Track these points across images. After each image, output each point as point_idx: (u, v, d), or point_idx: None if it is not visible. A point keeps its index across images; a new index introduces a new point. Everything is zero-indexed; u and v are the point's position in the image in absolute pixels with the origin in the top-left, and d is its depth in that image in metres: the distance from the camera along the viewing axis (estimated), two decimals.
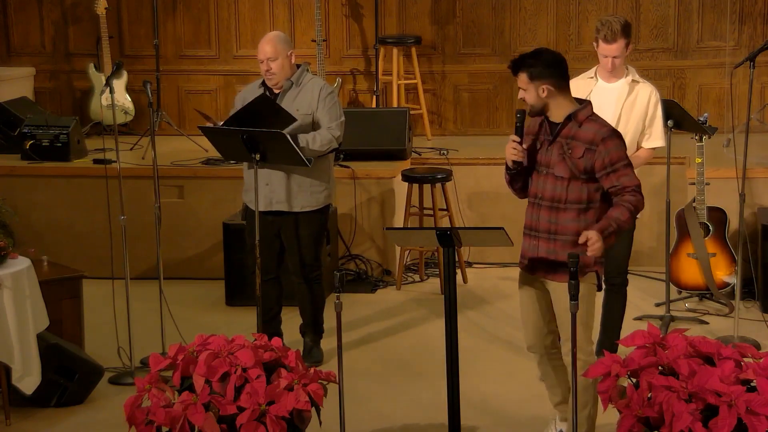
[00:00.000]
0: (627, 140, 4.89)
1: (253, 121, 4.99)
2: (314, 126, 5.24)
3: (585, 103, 4.14)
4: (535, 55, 4.07)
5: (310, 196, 5.28)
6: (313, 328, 5.48)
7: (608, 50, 4.92)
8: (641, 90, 5.01)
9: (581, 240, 3.97)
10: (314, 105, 5.24)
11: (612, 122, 4.79)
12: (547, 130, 4.12)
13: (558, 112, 4.09)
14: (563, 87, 4.08)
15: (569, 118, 4.07)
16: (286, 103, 5.22)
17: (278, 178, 5.23)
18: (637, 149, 5.03)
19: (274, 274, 5.40)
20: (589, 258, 4.05)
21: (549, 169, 4.10)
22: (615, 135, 4.07)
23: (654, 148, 5.08)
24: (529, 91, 4.06)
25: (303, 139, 5.14)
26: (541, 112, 4.10)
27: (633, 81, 5.00)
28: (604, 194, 4.11)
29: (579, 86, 4.79)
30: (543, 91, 4.04)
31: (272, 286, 5.40)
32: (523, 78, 4.06)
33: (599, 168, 4.04)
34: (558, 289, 4.13)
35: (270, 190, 5.24)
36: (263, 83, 5.32)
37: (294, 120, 5.06)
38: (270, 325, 5.36)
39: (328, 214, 5.45)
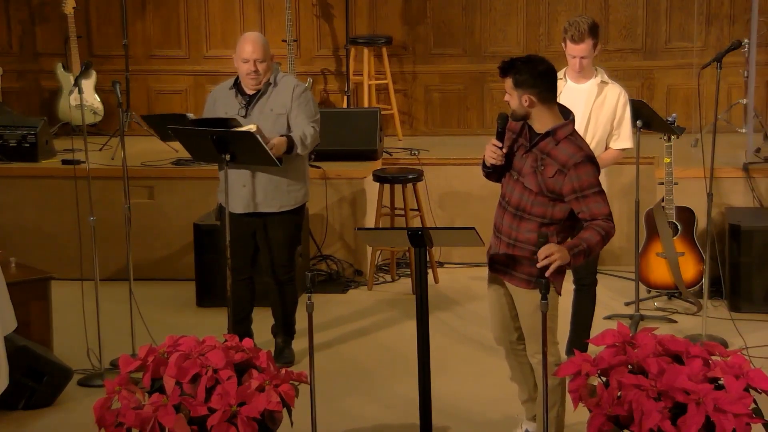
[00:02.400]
0: (595, 141, 4.97)
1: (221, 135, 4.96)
2: (289, 126, 5.22)
3: (568, 120, 4.07)
4: (525, 62, 4.03)
5: (288, 195, 5.26)
6: (285, 329, 5.48)
7: (576, 50, 4.93)
8: (610, 91, 5.02)
9: (541, 255, 3.88)
10: (288, 105, 5.21)
11: (581, 123, 4.85)
12: (527, 137, 4.10)
13: (539, 123, 4.05)
14: (547, 99, 4.02)
15: (548, 133, 4.03)
16: (260, 105, 5.19)
17: (256, 179, 5.20)
18: (606, 149, 5.06)
19: (247, 274, 5.39)
20: (537, 271, 3.96)
21: (520, 176, 4.10)
22: (588, 161, 4.00)
23: (622, 149, 5.10)
24: (512, 97, 4.04)
25: (298, 139, 5.11)
26: (523, 119, 4.07)
27: (602, 82, 5.02)
28: (571, 214, 4.07)
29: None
30: (525, 101, 4.01)
31: (245, 287, 5.39)
32: (509, 83, 4.03)
33: (568, 192, 3.99)
34: (517, 294, 4.17)
35: (248, 191, 5.21)
36: (235, 85, 5.27)
37: (254, 137, 4.92)
38: (241, 326, 5.35)
39: (303, 214, 5.45)
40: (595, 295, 5.20)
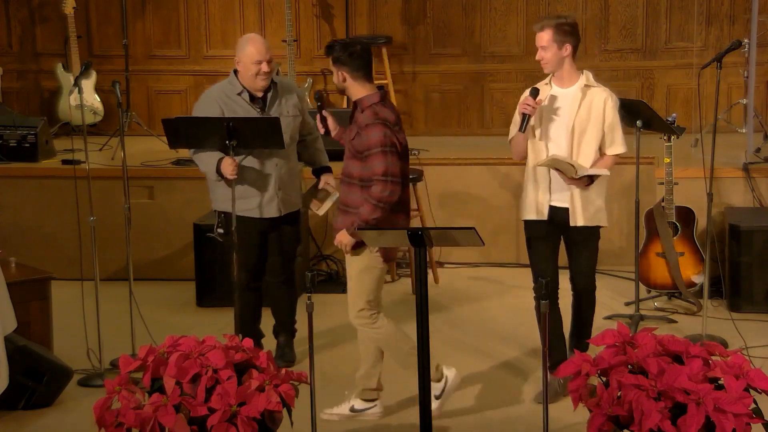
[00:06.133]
0: (589, 150, 4.75)
1: (243, 135, 4.92)
2: (303, 126, 5.22)
3: (375, 93, 4.57)
4: (343, 44, 4.55)
5: (298, 192, 5.33)
6: (287, 329, 5.47)
7: (537, 39, 4.75)
8: (595, 95, 4.75)
9: (336, 242, 4.56)
10: (299, 106, 5.22)
11: (566, 130, 4.72)
12: (353, 117, 4.61)
13: (354, 97, 4.57)
14: (358, 77, 4.54)
15: (355, 104, 4.56)
16: (277, 109, 5.13)
17: (288, 181, 5.17)
18: (601, 157, 4.81)
19: (260, 280, 5.32)
20: (356, 222, 4.49)
21: (347, 147, 4.61)
22: (380, 124, 4.48)
23: (618, 155, 4.86)
24: (334, 74, 4.58)
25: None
26: (342, 92, 4.65)
27: (585, 86, 4.77)
28: None
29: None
30: (340, 77, 4.54)
31: (258, 295, 5.32)
32: (330, 61, 4.56)
33: (363, 150, 4.49)
34: (348, 259, 4.60)
35: (284, 193, 5.16)
36: (243, 87, 5.11)
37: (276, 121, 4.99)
38: (255, 328, 5.31)
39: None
40: (594, 300, 5.03)
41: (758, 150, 6.73)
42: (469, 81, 7.83)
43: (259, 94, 5.11)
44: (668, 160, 6.02)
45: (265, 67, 5.05)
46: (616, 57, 7.75)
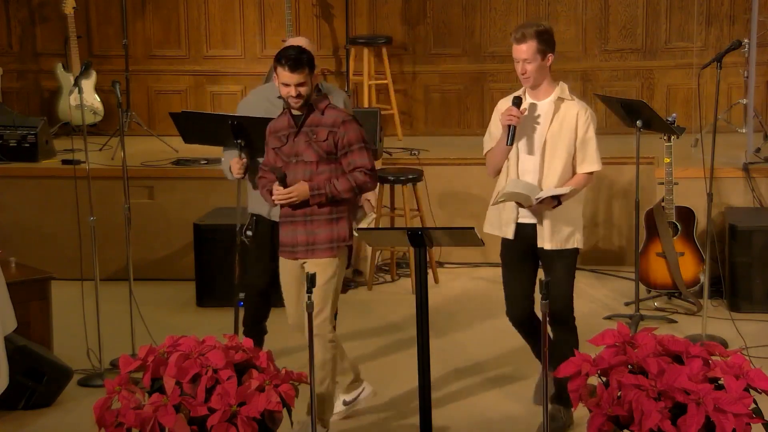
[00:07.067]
0: (559, 166, 4.45)
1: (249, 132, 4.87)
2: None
3: (320, 95, 4.50)
4: (305, 50, 4.39)
5: None
6: None
7: (518, 52, 4.41)
8: (569, 109, 4.46)
9: (284, 193, 4.35)
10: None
11: (538, 145, 4.46)
12: (292, 124, 4.44)
13: (307, 101, 4.43)
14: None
15: (311, 109, 4.42)
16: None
17: None
18: (573, 175, 4.50)
19: (272, 285, 5.16)
20: (344, 232, 4.43)
21: (298, 157, 4.41)
22: (354, 120, 4.45)
23: (590, 173, 4.51)
24: (308, 83, 4.37)
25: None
26: (307, 102, 4.40)
27: (559, 99, 4.48)
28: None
29: (509, 104, 4.47)
30: (315, 80, 4.46)
31: (267, 297, 5.19)
32: (305, 72, 4.33)
33: (339, 147, 4.39)
34: (317, 266, 4.39)
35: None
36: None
37: None
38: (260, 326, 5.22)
39: None
40: (570, 331, 4.57)
41: (758, 150, 6.73)
42: (469, 81, 7.83)
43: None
44: (668, 160, 6.02)
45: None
46: (616, 57, 7.75)
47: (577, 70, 7.72)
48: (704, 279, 5.75)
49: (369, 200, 5.17)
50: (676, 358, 3.84)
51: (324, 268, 4.41)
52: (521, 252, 4.53)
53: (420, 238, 4.10)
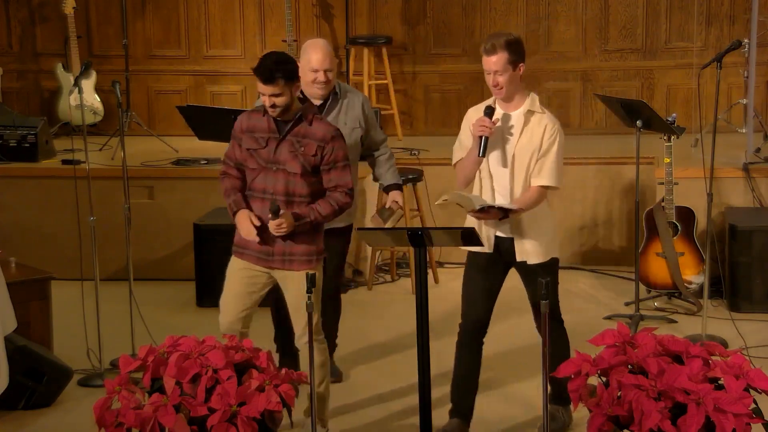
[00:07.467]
0: (521, 181, 4.39)
1: None
2: (362, 140, 5.07)
3: (307, 102, 4.39)
4: (284, 60, 4.25)
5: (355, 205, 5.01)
6: (334, 343, 5.29)
7: (489, 63, 4.33)
8: (538, 122, 4.36)
9: (275, 224, 4.22)
10: (361, 118, 5.05)
11: (507, 157, 4.38)
12: (274, 129, 4.31)
13: (292, 110, 4.30)
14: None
15: (300, 118, 4.30)
16: (332, 118, 4.96)
17: None
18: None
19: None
20: (321, 245, 4.38)
21: (279, 165, 4.30)
22: (340, 136, 4.35)
23: (544, 187, 4.35)
24: (285, 94, 4.23)
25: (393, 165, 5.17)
26: (289, 111, 4.28)
27: (528, 111, 4.37)
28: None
29: (479, 113, 4.40)
30: (296, 89, 4.29)
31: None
32: (281, 83, 4.20)
33: (324, 164, 4.31)
34: (293, 278, 4.33)
35: None
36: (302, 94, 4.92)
37: None
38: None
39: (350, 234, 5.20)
40: (560, 338, 4.54)
41: (758, 150, 6.73)
42: (469, 81, 7.83)
43: (317, 101, 4.92)
44: (668, 160, 6.02)
45: (321, 77, 4.86)
46: (616, 57, 7.75)
47: (577, 70, 7.72)
48: (704, 279, 5.75)
49: (396, 201, 5.09)
50: (676, 358, 3.84)
51: (300, 282, 4.24)
52: (494, 264, 4.45)
53: (420, 238, 4.10)
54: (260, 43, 7.89)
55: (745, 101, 6.98)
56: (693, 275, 6.12)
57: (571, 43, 7.71)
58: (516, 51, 4.34)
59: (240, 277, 4.43)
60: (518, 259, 4.43)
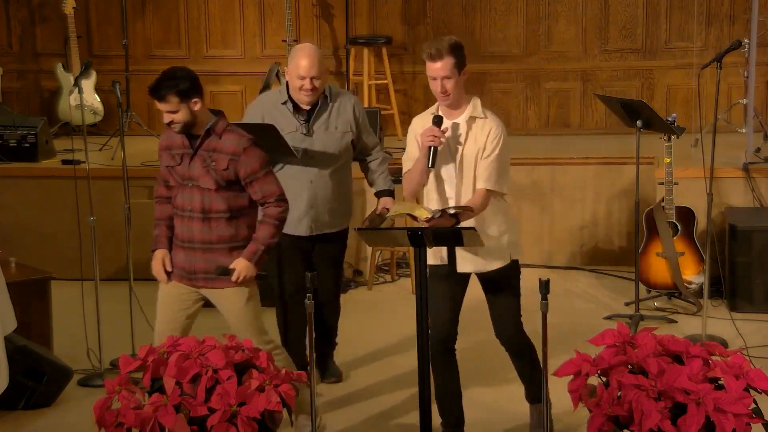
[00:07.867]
0: (470, 186, 4.30)
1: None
2: (353, 144, 5.02)
3: (220, 115, 4.28)
4: (178, 76, 4.15)
5: (343, 212, 5.05)
6: (333, 344, 5.30)
7: (434, 70, 4.19)
8: (481, 127, 4.27)
9: (234, 278, 4.22)
10: (351, 123, 5.00)
11: (454, 165, 4.28)
12: (187, 144, 4.26)
13: (200, 125, 4.23)
14: (204, 100, 4.23)
15: (208, 132, 4.23)
16: (322, 122, 4.92)
17: (324, 201, 4.91)
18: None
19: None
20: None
21: (194, 181, 4.26)
22: (254, 145, 4.25)
23: (488, 190, 4.24)
24: (182, 111, 4.16)
25: (387, 174, 5.08)
26: (191, 127, 4.21)
27: (471, 117, 4.27)
28: (251, 199, 4.29)
29: (425, 122, 4.27)
30: (195, 105, 4.17)
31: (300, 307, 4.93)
32: (174, 100, 4.14)
33: (243, 177, 4.22)
34: (222, 295, 4.32)
35: (317, 212, 4.90)
36: (289, 99, 4.91)
37: (294, 155, 4.80)
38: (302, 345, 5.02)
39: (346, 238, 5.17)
40: (525, 351, 4.49)
41: (758, 150, 6.73)
42: (469, 81, 7.76)
43: (306, 107, 4.87)
44: (668, 160, 6.02)
45: (307, 84, 4.78)
46: (616, 57, 7.75)
47: (577, 70, 7.72)
48: (704, 279, 5.75)
49: (387, 208, 4.94)
50: (676, 358, 3.84)
51: (233, 298, 4.31)
52: (452, 273, 4.37)
53: (420, 238, 4.10)
54: (260, 44, 7.89)
55: (745, 101, 6.98)
56: (693, 275, 6.12)
57: (571, 43, 7.71)
58: (460, 55, 4.23)
59: (167, 296, 4.40)
60: (468, 270, 4.36)
